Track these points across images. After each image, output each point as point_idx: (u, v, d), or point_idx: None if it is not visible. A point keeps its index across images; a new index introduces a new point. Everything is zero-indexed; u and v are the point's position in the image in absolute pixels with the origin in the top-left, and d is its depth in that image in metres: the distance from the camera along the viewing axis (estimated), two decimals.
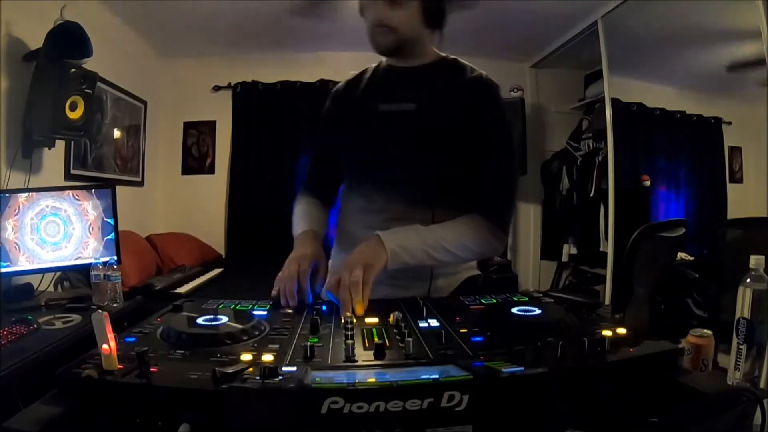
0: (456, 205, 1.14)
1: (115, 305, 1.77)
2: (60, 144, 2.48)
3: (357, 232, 1.18)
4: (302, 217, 1.25)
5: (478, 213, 1.12)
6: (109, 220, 2.00)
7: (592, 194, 3.72)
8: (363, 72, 1.28)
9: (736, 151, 3.21)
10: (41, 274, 1.95)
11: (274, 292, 1.02)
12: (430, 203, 1.13)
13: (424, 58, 1.19)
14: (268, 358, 0.67)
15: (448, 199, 1.14)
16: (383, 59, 1.24)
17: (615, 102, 3.25)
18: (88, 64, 2.27)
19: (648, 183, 3.49)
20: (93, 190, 2.00)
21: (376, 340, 0.75)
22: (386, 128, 1.16)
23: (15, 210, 1.81)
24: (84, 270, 1.97)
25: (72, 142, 2.66)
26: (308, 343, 0.70)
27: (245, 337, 0.77)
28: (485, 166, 1.13)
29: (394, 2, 1.08)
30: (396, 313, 0.86)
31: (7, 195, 1.82)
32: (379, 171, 1.17)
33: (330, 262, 1.28)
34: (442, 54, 1.22)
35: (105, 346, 0.64)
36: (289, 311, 0.95)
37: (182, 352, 0.71)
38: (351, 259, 1.00)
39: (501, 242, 1.14)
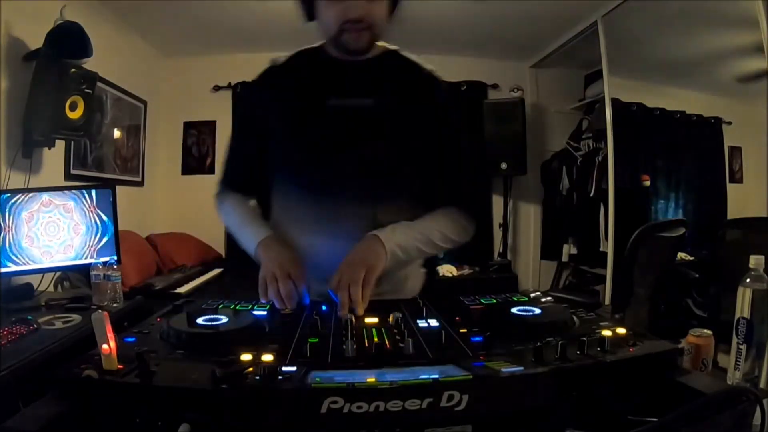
0: (410, 200, 1.13)
1: (115, 305, 1.76)
2: (60, 144, 2.48)
3: (302, 234, 1.11)
4: (251, 221, 1.15)
5: (452, 205, 1.15)
6: (108, 220, 2.00)
7: (592, 194, 3.72)
8: (297, 59, 1.14)
9: (736, 151, 3.21)
10: (41, 274, 1.95)
11: (264, 298, 0.99)
12: (388, 198, 1.10)
13: (373, 51, 1.10)
14: (268, 358, 0.67)
15: (405, 194, 1.14)
16: (316, 45, 1.13)
17: (615, 102, 3.24)
18: (88, 64, 2.27)
19: (648, 183, 3.48)
20: (93, 190, 2.00)
21: (375, 340, 0.75)
22: (342, 125, 1.08)
23: (15, 210, 1.81)
24: (84, 270, 1.96)
25: (72, 142, 2.66)
26: (308, 343, 0.70)
27: (245, 337, 0.77)
28: (450, 163, 1.16)
29: None
30: (396, 313, 0.86)
31: (7, 195, 1.82)
32: (334, 170, 1.09)
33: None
34: (383, 44, 1.14)
35: (105, 346, 0.64)
36: (288, 311, 0.95)
37: (182, 352, 0.71)
38: (352, 259, 0.99)
39: (473, 229, 1.18)
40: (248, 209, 1.21)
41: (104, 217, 1.99)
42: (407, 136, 1.10)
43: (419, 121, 1.10)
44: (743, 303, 0.83)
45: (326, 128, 1.09)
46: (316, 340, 0.75)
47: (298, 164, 1.13)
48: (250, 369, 0.62)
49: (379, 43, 1.12)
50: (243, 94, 1.12)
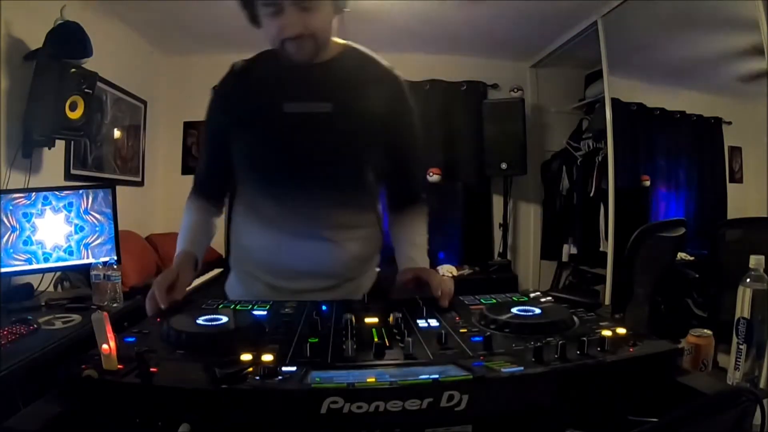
0: (366, 200, 1.17)
1: (115, 305, 1.77)
2: (60, 144, 2.48)
3: (263, 233, 1.14)
4: (188, 230, 1.21)
5: (419, 203, 1.23)
6: (108, 221, 2.00)
7: (592, 194, 3.72)
8: (254, 63, 1.15)
9: (736, 151, 3.21)
10: (41, 274, 1.95)
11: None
12: (347, 201, 1.13)
13: (328, 51, 1.10)
14: (268, 358, 0.67)
15: (362, 195, 1.16)
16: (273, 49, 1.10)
17: (615, 102, 3.24)
18: (88, 64, 2.27)
19: (648, 183, 3.48)
20: (93, 190, 2.00)
21: (376, 340, 0.75)
22: (300, 130, 1.09)
23: (15, 210, 1.81)
24: (84, 270, 1.96)
25: (72, 142, 2.66)
26: (308, 343, 0.70)
27: (245, 337, 0.77)
28: (407, 161, 1.20)
29: (307, 9, 0.99)
30: (396, 313, 0.85)
31: (7, 195, 1.82)
32: (295, 174, 1.10)
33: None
34: (342, 42, 1.13)
35: (105, 346, 0.64)
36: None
37: (182, 352, 0.71)
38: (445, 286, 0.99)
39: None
40: (197, 221, 1.22)
41: (104, 218, 1.99)
42: (365, 136, 1.11)
43: (376, 120, 1.10)
44: (743, 303, 0.83)
45: (284, 131, 1.10)
46: (316, 340, 0.75)
47: (261, 166, 1.13)
48: (250, 369, 0.62)
49: (339, 41, 1.12)
50: (210, 100, 1.12)
